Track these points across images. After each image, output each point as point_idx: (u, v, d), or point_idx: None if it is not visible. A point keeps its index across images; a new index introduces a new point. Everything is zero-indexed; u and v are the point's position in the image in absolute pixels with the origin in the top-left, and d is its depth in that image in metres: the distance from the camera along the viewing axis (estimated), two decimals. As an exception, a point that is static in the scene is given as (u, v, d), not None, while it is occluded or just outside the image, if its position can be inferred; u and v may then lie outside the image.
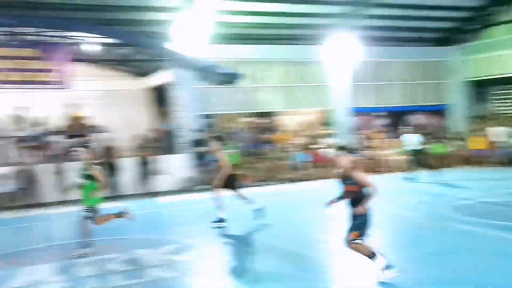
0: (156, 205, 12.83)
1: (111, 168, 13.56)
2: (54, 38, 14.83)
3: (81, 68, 15.57)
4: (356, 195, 5.66)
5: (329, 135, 17.90)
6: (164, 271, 6.83)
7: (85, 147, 13.81)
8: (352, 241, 5.63)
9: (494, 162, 17.07)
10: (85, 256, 7.59)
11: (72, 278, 6.71)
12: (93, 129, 15.14)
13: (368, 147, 17.70)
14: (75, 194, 12.81)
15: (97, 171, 7.96)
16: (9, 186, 12.49)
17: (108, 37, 15.05)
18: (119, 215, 8.31)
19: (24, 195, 12.61)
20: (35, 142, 13.87)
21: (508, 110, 20.08)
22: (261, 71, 17.45)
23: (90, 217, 7.85)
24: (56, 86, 14.88)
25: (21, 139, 13.68)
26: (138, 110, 18.50)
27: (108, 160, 13.64)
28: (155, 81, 18.12)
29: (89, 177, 7.93)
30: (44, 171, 13.04)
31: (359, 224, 5.62)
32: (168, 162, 14.53)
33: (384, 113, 19.86)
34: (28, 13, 14.12)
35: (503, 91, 20.43)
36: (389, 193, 11.32)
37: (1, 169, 12.73)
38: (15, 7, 13.77)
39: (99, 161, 13.48)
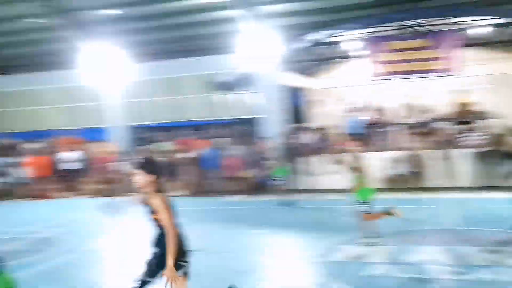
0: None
1: (502, 157, 12.88)
2: (443, 26, 15.20)
3: (468, 53, 15.35)
4: None
5: None
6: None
7: (474, 134, 13.65)
8: None
9: None
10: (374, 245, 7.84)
11: (461, 264, 6.95)
12: (481, 115, 14.72)
13: None
14: (462, 181, 12.98)
15: (359, 163, 7.80)
16: (401, 169, 13.72)
17: (498, 17, 14.27)
18: (386, 213, 7.97)
19: (414, 179, 13.58)
20: (423, 129, 14.64)
21: None
22: None
23: (362, 211, 7.87)
24: (444, 73, 15.26)
25: (411, 126, 14.72)
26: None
27: (498, 148, 13.04)
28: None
29: (355, 169, 7.79)
30: (432, 157, 13.59)
31: None
32: None
33: None
34: (415, 5, 14.93)
35: None
36: None
37: (394, 154, 14.09)
38: (402, 2, 14.81)
39: (490, 148, 13.09)
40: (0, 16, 16.86)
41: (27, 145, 18.11)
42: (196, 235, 9.16)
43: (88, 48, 16.41)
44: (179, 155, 16.38)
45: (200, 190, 15.70)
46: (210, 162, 15.24)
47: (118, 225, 11.47)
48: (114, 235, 10.43)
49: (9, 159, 17.59)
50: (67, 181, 17.38)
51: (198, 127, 17.76)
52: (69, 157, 17.14)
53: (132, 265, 7.74)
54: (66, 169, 17.16)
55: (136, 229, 10.03)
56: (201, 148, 16.32)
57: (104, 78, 17.06)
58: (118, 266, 7.82)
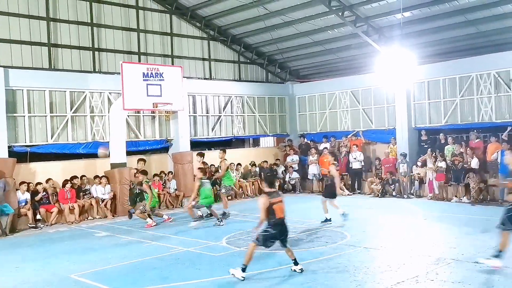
0: None
1: None
2: None
3: None
4: None
5: None
6: None
7: None
8: None
9: None
10: None
11: None
12: None
13: None
14: None
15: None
16: None
17: None
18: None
19: None
20: None
21: None
22: None
23: None
24: None
25: None
26: None
27: None
28: None
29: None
30: None
31: None
32: None
33: None
34: None
35: None
36: None
37: None
38: None
39: None
40: (305, 30, 19.21)
41: (318, 145, 20.09)
42: (484, 246, 8.64)
43: (381, 52, 17.05)
44: (467, 159, 15.47)
45: (484, 197, 14.88)
46: (503, 168, 13.80)
47: (402, 225, 11.70)
48: (396, 235, 10.65)
49: (307, 158, 19.92)
50: (352, 179, 18.56)
51: (491, 130, 16.28)
52: (353, 157, 18.22)
53: (397, 271, 7.85)
54: (351, 168, 18.32)
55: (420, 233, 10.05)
56: (493, 152, 15.06)
57: (393, 80, 17.41)
58: (390, 267, 8.01)
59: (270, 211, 7.49)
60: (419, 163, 16.64)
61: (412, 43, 17.12)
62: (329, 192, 12.34)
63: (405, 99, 17.77)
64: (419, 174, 16.49)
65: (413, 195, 16.54)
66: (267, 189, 7.81)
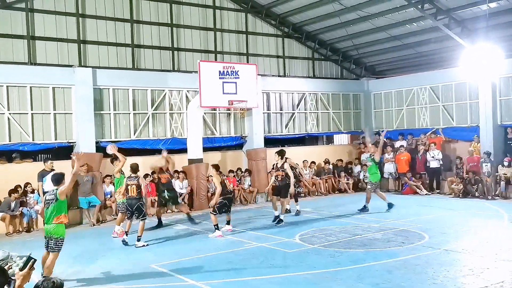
0: None
1: None
2: None
3: None
4: None
5: None
6: None
7: None
8: None
9: None
10: None
11: None
12: None
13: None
14: None
15: None
16: None
17: None
18: None
19: None
20: None
21: None
22: None
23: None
24: None
25: None
26: None
27: None
28: None
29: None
30: None
31: None
32: None
33: None
34: None
35: None
36: None
37: None
38: None
39: None
40: (382, 24, 18.73)
41: (394, 143, 19.47)
42: None
43: (464, 46, 16.24)
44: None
45: None
46: None
47: (485, 228, 11.12)
48: (479, 238, 10.13)
49: (382, 156, 19.39)
50: (430, 178, 17.85)
51: None
52: (431, 156, 17.47)
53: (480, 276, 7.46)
54: (429, 167, 17.61)
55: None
56: None
57: (478, 75, 16.50)
58: (473, 271, 7.63)
59: (126, 189, 10.80)
60: (505, 163, 15.66)
61: (498, 35, 16.13)
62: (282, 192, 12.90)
63: (490, 95, 16.75)
64: (506, 174, 15.52)
65: (498, 196, 15.60)
66: (131, 174, 10.86)
